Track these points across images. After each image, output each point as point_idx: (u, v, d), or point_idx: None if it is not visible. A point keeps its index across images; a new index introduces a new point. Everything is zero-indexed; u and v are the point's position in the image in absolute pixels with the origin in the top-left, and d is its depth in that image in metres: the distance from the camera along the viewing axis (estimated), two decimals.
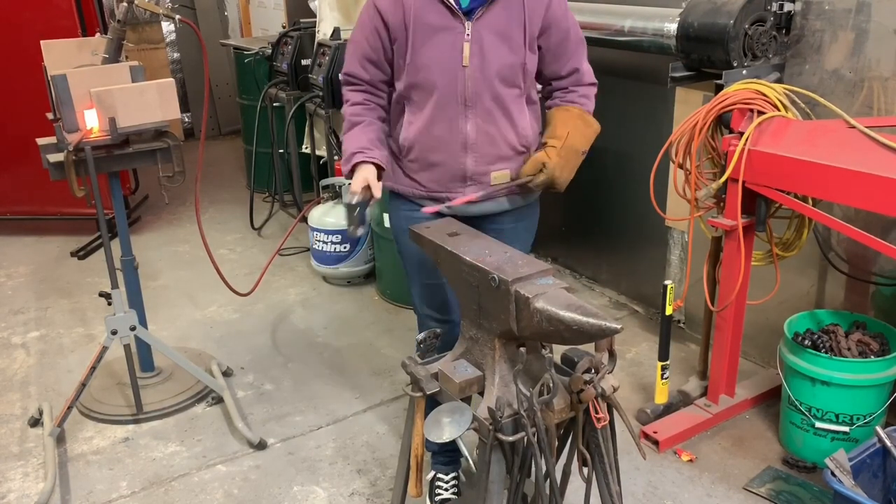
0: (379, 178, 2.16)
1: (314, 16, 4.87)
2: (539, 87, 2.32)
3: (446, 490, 2.50)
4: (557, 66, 2.21)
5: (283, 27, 5.42)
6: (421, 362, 2.05)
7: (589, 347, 1.79)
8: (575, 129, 2.17)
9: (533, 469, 1.78)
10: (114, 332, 2.87)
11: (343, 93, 2.25)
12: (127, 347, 2.95)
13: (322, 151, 4.84)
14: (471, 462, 2.54)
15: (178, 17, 2.99)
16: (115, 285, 2.87)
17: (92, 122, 2.72)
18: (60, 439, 2.92)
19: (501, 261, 1.84)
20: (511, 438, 1.75)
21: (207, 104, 3.14)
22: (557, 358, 1.90)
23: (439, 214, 2.16)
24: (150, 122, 2.75)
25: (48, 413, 3.01)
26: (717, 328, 2.80)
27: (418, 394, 1.96)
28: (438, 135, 2.16)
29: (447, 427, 1.79)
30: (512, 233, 2.25)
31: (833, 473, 2.02)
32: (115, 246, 2.92)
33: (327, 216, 4.14)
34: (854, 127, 2.28)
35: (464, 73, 2.09)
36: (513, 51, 2.11)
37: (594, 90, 2.29)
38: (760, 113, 2.47)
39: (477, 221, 2.20)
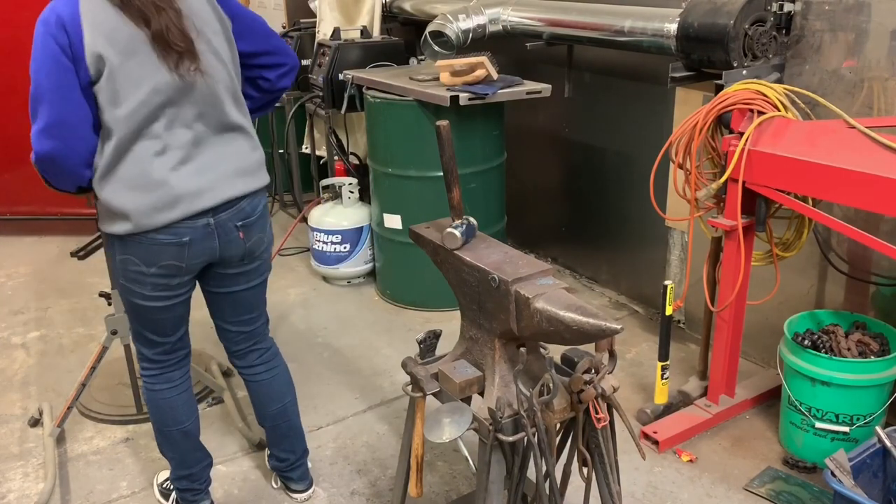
0: None
1: (314, 16, 4.88)
2: None
3: None
4: None
5: (283, 27, 5.42)
6: (421, 362, 2.05)
7: (589, 348, 1.79)
8: None
9: (533, 469, 1.78)
10: (114, 332, 2.86)
11: None
12: (127, 347, 2.94)
13: (322, 152, 4.84)
14: (471, 462, 2.55)
15: None
16: (115, 285, 2.86)
17: None
18: (60, 439, 2.92)
19: (501, 261, 1.85)
20: (511, 439, 1.76)
21: None
22: (557, 358, 1.90)
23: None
24: None
25: (48, 413, 3.01)
26: (717, 328, 2.80)
27: (418, 394, 1.97)
28: None
29: (447, 427, 1.79)
30: None
31: (833, 474, 2.02)
32: None
33: (327, 216, 4.14)
34: (854, 127, 2.28)
35: None
36: None
37: None
38: (760, 113, 2.47)
39: None
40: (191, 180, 2.03)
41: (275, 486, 2.64)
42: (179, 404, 2.33)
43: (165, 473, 2.54)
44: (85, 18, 1.86)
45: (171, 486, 2.47)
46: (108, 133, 1.95)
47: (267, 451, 2.65)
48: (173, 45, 1.94)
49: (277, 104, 5.08)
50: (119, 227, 2.02)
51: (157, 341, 2.24)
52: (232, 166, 2.11)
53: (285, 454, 2.53)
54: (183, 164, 2.02)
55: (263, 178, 2.20)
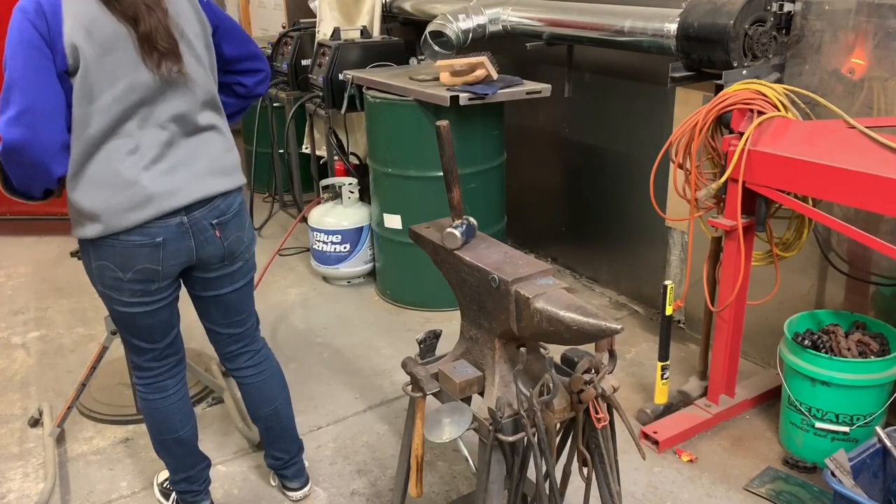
0: None
1: (314, 16, 4.88)
2: None
3: None
4: None
5: (283, 27, 5.43)
6: (421, 362, 2.05)
7: (589, 347, 1.80)
8: None
9: (533, 469, 1.78)
10: (114, 333, 2.86)
11: None
12: None
13: (322, 152, 4.84)
14: (471, 462, 2.55)
15: None
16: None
17: None
18: (60, 439, 2.92)
19: (501, 261, 1.85)
20: (511, 439, 1.76)
21: None
22: (557, 358, 1.90)
23: None
24: None
25: (48, 413, 3.01)
26: (717, 328, 2.80)
27: (418, 394, 1.97)
28: None
29: (447, 427, 1.79)
30: None
31: (833, 473, 2.02)
32: None
33: (327, 216, 4.14)
34: (854, 127, 2.28)
35: None
36: None
37: None
38: (760, 113, 2.47)
39: None
40: (163, 179, 1.99)
41: (273, 483, 2.64)
42: (174, 413, 2.30)
43: (165, 473, 2.54)
44: (66, 8, 1.84)
45: (171, 487, 2.47)
46: (79, 130, 1.91)
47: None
48: (158, 45, 1.92)
49: (277, 104, 5.12)
50: (90, 230, 1.99)
51: (146, 348, 2.21)
52: (206, 166, 2.08)
53: (279, 454, 2.53)
54: (155, 164, 1.98)
55: (239, 179, 2.19)
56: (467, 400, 1.95)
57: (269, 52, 5.10)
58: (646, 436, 2.78)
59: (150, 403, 2.28)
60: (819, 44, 2.73)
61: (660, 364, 2.83)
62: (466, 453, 2.59)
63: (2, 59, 1.89)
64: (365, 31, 4.51)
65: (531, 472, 1.83)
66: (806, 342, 2.61)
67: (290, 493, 2.58)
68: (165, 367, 2.27)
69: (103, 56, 1.87)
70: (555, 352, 1.84)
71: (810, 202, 2.48)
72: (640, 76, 3.53)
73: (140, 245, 2.00)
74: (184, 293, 2.25)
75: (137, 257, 2.01)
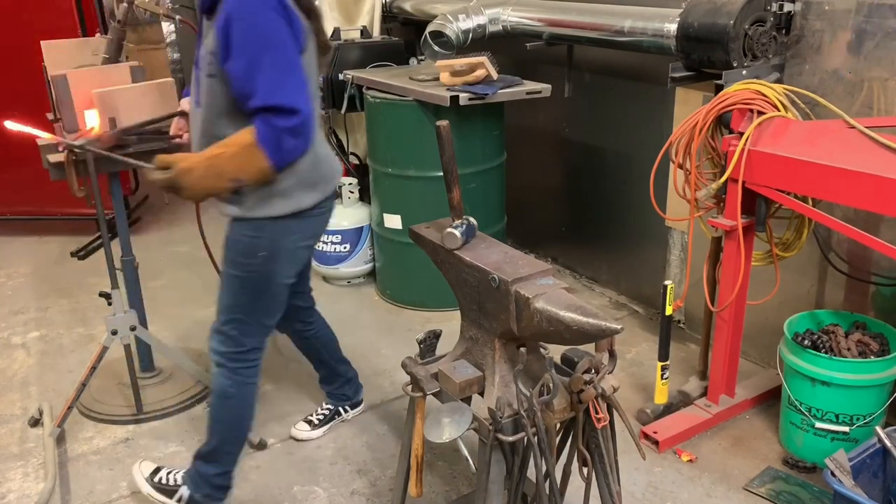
0: None
1: None
2: None
3: None
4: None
5: None
6: (421, 362, 2.05)
7: (589, 347, 1.80)
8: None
9: (533, 469, 1.79)
10: (114, 332, 2.87)
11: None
12: (127, 347, 2.94)
13: None
14: (471, 462, 2.55)
15: (178, 17, 3.00)
16: (115, 285, 2.87)
17: (92, 121, 2.72)
18: (60, 439, 2.92)
19: (501, 261, 1.85)
20: (511, 439, 1.76)
21: None
22: (557, 358, 1.90)
23: None
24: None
25: (48, 413, 3.01)
26: (717, 328, 2.80)
27: (418, 394, 1.97)
28: None
29: (447, 427, 1.79)
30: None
31: (833, 473, 2.02)
32: (115, 246, 2.92)
33: None
34: (854, 127, 2.28)
35: None
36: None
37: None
38: (760, 113, 2.47)
39: None
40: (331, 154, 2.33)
41: (347, 417, 2.98)
42: (256, 398, 2.43)
43: (150, 466, 2.51)
44: None
45: (199, 496, 2.40)
46: None
47: (333, 393, 2.95)
48: (322, 39, 2.19)
49: None
50: (309, 199, 2.17)
51: (270, 325, 2.37)
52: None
53: (353, 371, 2.95)
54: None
55: None
56: (467, 400, 1.95)
57: None
58: (646, 436, 2.78)
59: (250, 389, 2.35)
60: (819, 44, 2.73)
61: (660, 364, 2.83)
62: (466, 453, 2.59)
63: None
64: (365, 31, 4.51)
65: (531, 472, 1.83)
66: (806, 342, 2.61)
67: (356, 411, 2.99)
68: (265, 347, 2.41)
69: (308, 45, 2.09)
70: (555, 352, 1.84)
71: (810, 202, 2.48)
72: (640, 76, 3.54)
73: (326, 212, 2.30)
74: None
75: (321, 224, 2.32)
